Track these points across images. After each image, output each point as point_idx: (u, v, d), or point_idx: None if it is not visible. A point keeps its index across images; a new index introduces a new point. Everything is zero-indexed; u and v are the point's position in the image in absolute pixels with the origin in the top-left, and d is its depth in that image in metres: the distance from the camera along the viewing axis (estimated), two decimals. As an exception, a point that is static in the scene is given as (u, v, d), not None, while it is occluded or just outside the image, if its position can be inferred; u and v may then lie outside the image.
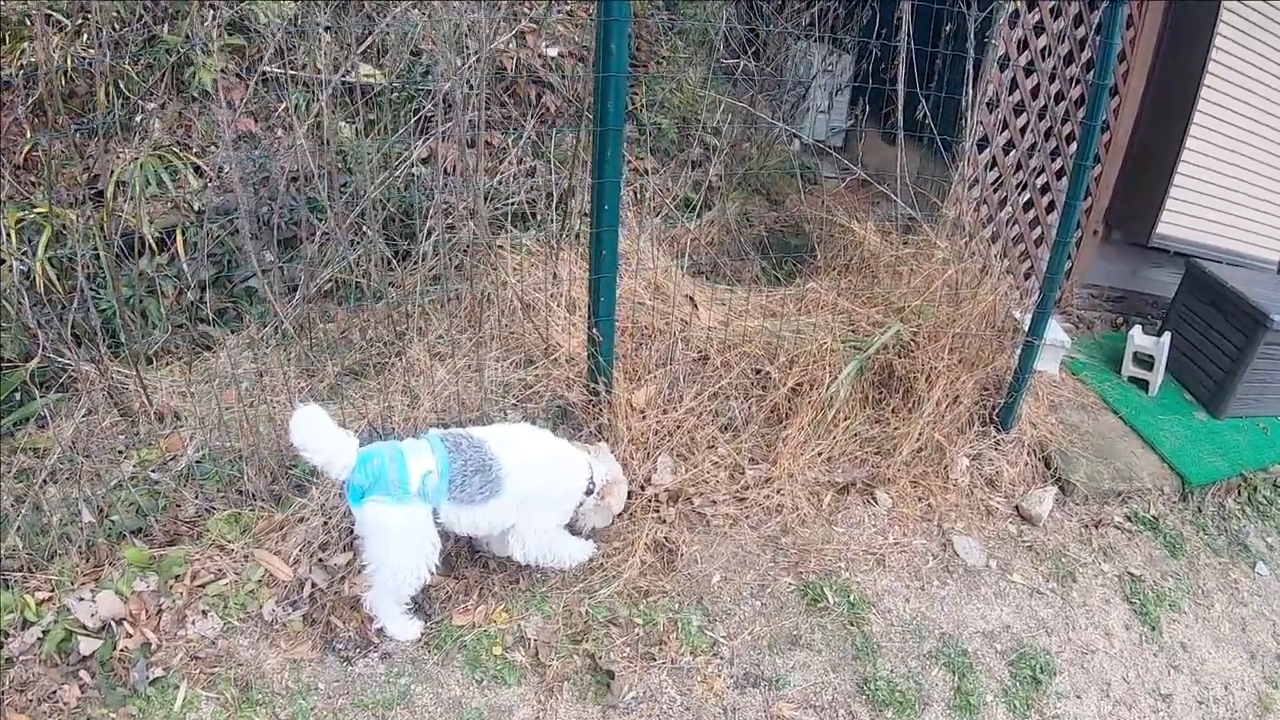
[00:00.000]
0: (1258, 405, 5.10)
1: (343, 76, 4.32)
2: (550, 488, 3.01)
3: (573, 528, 3.23)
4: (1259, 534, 4.58)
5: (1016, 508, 4.04)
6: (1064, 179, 5.08)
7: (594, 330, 3.28)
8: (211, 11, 4.44)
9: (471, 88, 3.81)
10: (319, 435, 2.59)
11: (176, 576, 2.94)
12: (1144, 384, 5.07)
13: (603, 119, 3.03)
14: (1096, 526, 4.10)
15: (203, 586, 2.94)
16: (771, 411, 3.87)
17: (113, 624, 2.76)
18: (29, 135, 4.00)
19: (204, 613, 2.86)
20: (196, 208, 4.16)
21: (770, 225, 5.29)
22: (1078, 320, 5.61)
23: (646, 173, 4.60)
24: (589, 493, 3.14)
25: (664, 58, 5.55)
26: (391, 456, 2.70)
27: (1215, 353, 4.98)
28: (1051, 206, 5.19)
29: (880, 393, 4.03)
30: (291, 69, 4.21)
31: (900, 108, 4.05)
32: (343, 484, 2.71)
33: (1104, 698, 3.33)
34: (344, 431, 2.65)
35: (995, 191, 4.97)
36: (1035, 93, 4.86)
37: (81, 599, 2.78)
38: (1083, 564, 3.89)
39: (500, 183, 4.27)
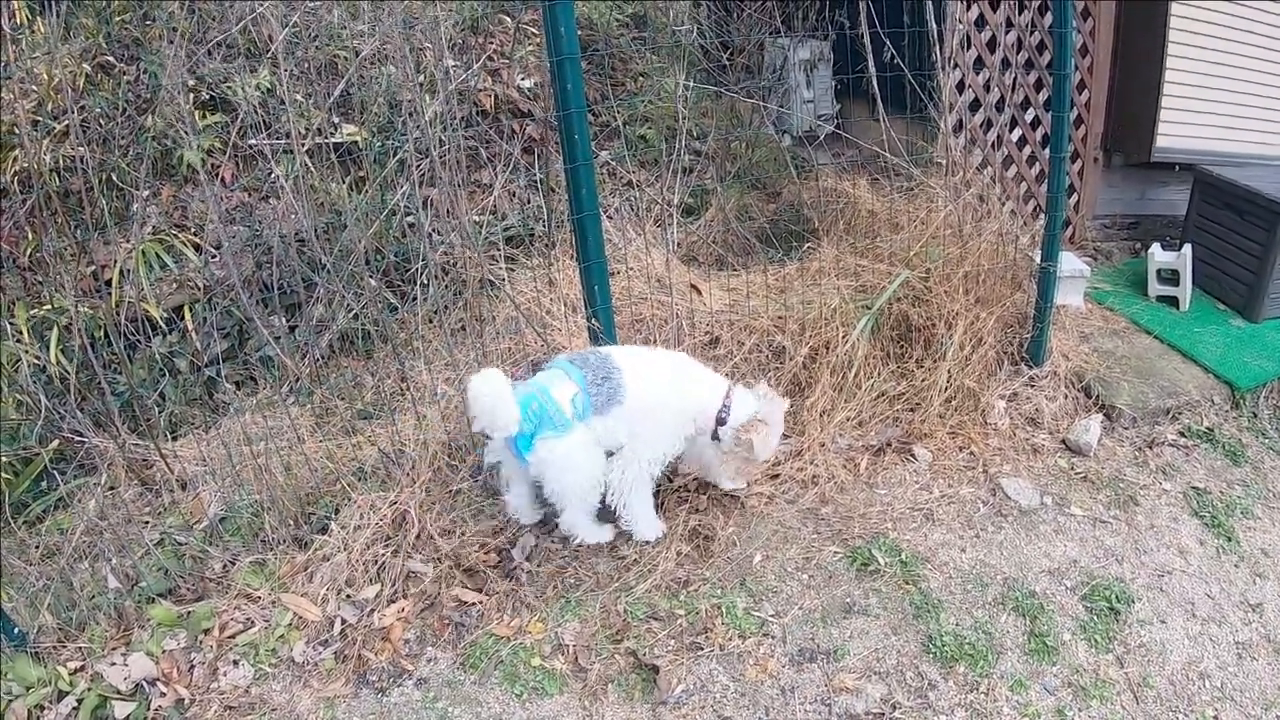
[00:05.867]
0: (1294, 302, 4.72)
1: (326, 138, 4.22)
2: (666, 402, 2.90)
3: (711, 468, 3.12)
4: (1321, 430, 4.21)
5: (1063, 441, 3.72)
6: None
7: (593, 321, 3.05)
8: (191, 95, 4.36)
9: (454, 129, 3.67)
10: (503, 400, 2.65)
11: (205, 630, 2.77)
12: (1173, 301, 4.73)
13: (564, 102, 2.84)
14: (1150, 447, 3.76)
15: (232, 637, 2.76)
16: (792, 382, 3.61)
17: (145, 684, 2.60)
18: (31, 237, 3.92)
19: (235, 663, 2.68)
20: (201, 284, 4.06)
21: (770, 216, 5.08)
22: (1095, 252, 5.30)
23: (638, 185, 4.44)
24: (721, 422, 2.95)
25: (640, 74, 5.41)
26: (541, 394, 2.73)
27: (1240, 255, 4.62)
28: (1046, 140, 4.89)
29: (901, 347, 3.75)
30: (275, 138, 4.12)
31: (869, 59, 3.80)
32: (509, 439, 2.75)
33: (1190, 618, 3.01)
34: (507, 392, 2.68)
35: (985, 132, 4.69)
36: (1008, 25, 4.60)
37: (113, 664, 2.63)
38: (1142, 486, 3.56)
39: (493, 213, 4.15)
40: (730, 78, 5.17)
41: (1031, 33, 4.63)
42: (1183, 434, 3.89)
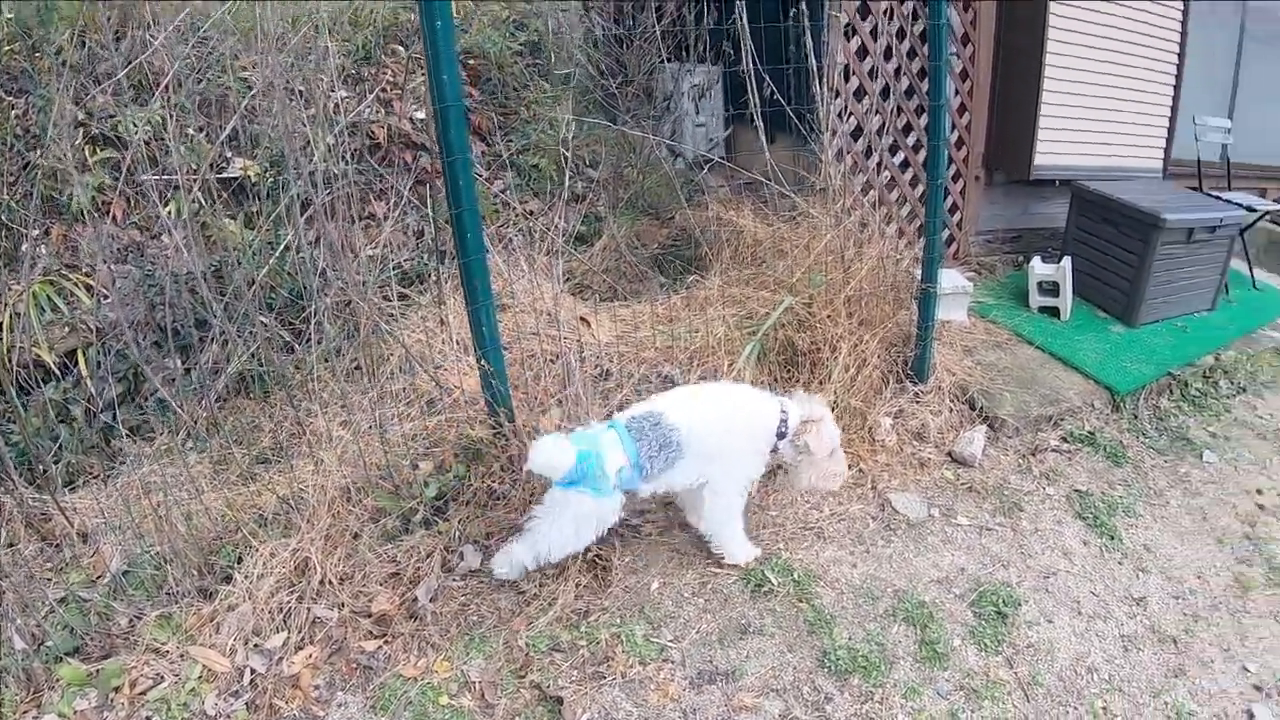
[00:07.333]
0: (1169, 306, 5.05)
1: (218, 173, 4.23)
2: (728, 439, 3.06)
3: (794, 483, 3.28)
4: (1200, 425, 4.53)
5: (949, 454, 3.93)
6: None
7: (483, 362, 3.15)
8: (81, 130, 4.34)
9: (347, 163, 3.71)
10: (560, 458, 2.86)
11: (116, 688, 2.77)
12: (1054, 311, 5.00)
13: (448, 149, 2.91)
14: (1034, 454, 4.00)
15: (144, 693, 2.76)
16: None
17: (61, 747, 2.59)
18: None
19: (148, 719, 2.69)
20: (94, 326, 4.04)
21: (662, 242, 5.23)
22: (979, 267, 5.56)
23: (531, 215, 4.50)
24: (781, 436, 3.11)
25: (533, 102, 5.48)
26: (598, 458, 2.91)
27: (1118, 265, 4.92)
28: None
29: (788, 371, 3.90)
30: (166, 174, 4.11)
31: (752, 92, 3.95)
32: None
33: (1076, 615, 3.21)
34: (569, 447, 2.88)
35: (867, 158, 4.89)
36: (889, 54, 4.80)
37: (25, 728, 2.62)
38: (1026, 492, 3.79)
39: (388, 247, 4.18)
40: (622, 104, 5.28)
41: (912, 60, 4.84)
42: (1065, 439, 4.13)
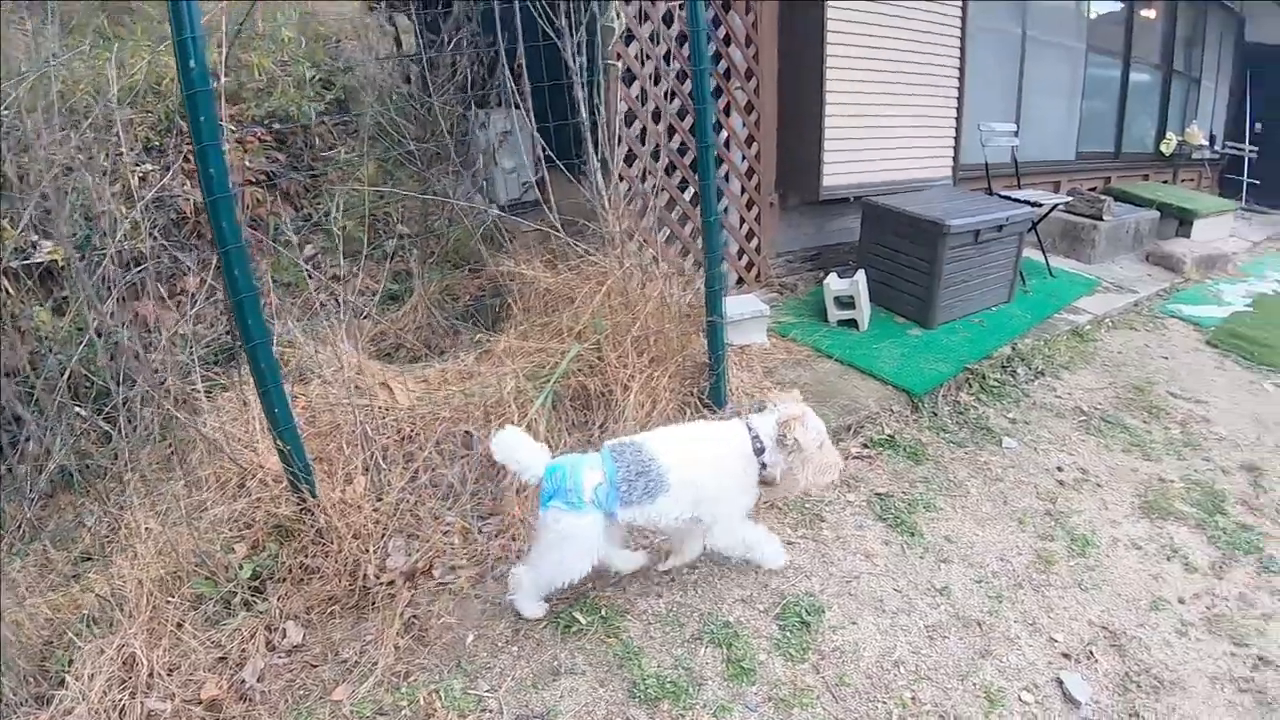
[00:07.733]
0: (965, 304, 5.40)
1: (24, 260, 4.19)
2: (715, 475, 3.20)
3: (791, 487, 3.39)
4: (999, 413, 4.84)
5: (749, 476, 4.12)
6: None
7: (278, 441, 3.27)
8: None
9: (154, 239, 3.74)
10: (520, 450, 3.07)
11: None
12: (854, 323, 5.27)
13: (221, 240, 3.02)
14: (833, 464, 4.22)
15: None
16: (488, 465, 3.87)
17: None
18: None
19: None
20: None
21: (474, 294, 5.36)
22: (781, 288, 5.82)
23: (340, 278, 4.56)
24: (761, 452, 3.21)
25: (342, 162, 5.56)
26: (571, 470, 3.09)
27: (910, 273, 5.24)
28: (720, 195, 5.37)
29: (584, 415, 4.09)
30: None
31: (526, 145, 4.13)
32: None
33: (880, 614, 3.40)
34: (539, 445, 3.12)
35: (656, 198, 5.12)
36: (671, 97, 5.02)
37: None
38: (827, 502, 3.99)
39: (199, 323, 4.21)
40: (424, 157, 5.38)
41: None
42: (865, 445, 4.37)
